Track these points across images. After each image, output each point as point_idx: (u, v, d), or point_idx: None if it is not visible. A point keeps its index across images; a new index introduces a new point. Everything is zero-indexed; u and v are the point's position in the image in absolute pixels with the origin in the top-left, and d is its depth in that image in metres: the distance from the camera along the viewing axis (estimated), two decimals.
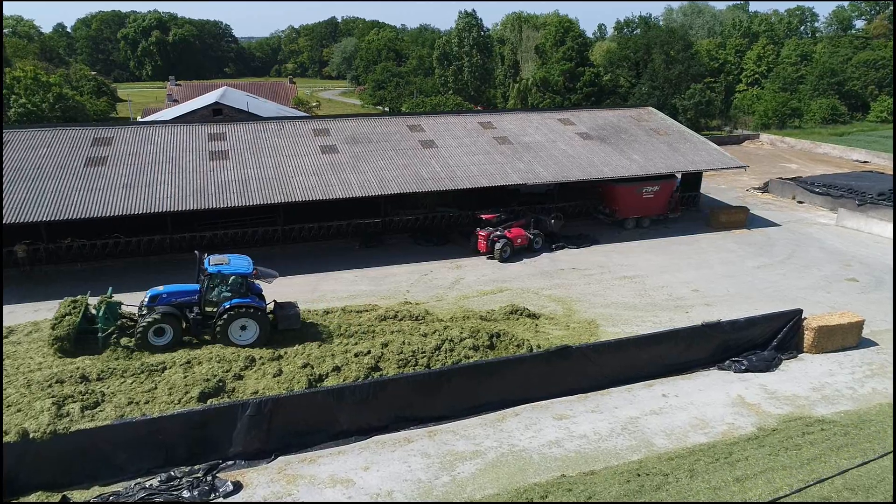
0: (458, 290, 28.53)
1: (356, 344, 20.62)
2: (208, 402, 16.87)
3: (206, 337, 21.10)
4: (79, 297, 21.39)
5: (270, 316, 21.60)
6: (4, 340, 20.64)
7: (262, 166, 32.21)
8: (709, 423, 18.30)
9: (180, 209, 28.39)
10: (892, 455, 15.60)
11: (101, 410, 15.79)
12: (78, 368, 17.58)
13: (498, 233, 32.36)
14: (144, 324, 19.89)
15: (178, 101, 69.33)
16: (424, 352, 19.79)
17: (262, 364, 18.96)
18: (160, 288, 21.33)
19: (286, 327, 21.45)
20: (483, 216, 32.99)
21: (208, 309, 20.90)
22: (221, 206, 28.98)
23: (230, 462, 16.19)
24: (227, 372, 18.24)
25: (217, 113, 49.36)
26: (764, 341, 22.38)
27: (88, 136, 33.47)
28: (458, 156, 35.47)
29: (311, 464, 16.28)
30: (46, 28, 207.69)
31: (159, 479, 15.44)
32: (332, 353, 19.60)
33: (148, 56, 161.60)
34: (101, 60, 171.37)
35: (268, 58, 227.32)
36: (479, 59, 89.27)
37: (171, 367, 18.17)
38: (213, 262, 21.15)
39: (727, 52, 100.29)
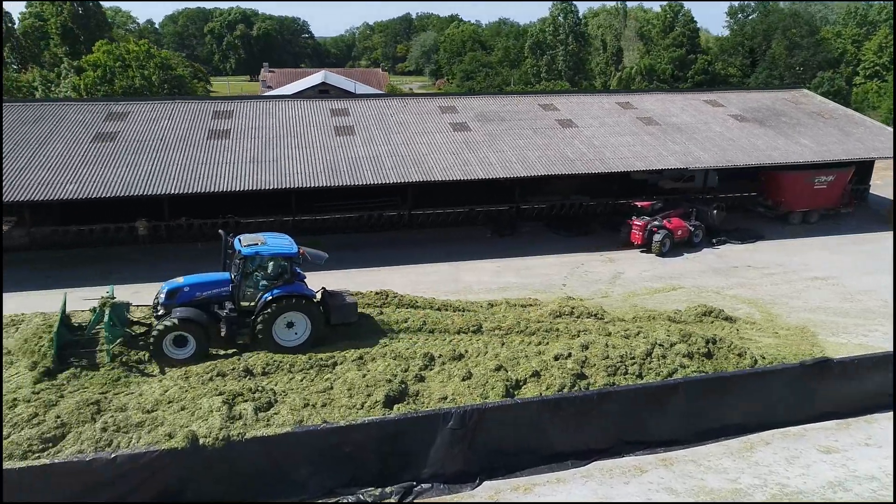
0: (621, 287, 24.71)
1: (546, 344, 17.17)
2: (394, 407, 13.74)
3: (239, 341, 16.37)
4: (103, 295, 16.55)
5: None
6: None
7: (393, 143, 29.29)
8: None
9: (312, 186, 25.72)
10: None
11: (275, 413, 12.89)
12: (239, 359, 14.83)
13: (656, 223, 28.30)
14: (158, 330, 15.20)
15: (271, 88, 68.26)
16: (634, 358, 16.11)
17: (444, 364, 15.74)
18: (179, 280, 16.49)
19: (340, 321, 17.05)
20: (638, 204, 29.01)
21: (244, 304, 16.38)
22: (355, 183, 26.16)
23: (426, 485, 13.03)
24: (405, 371, 15.12)
25: (324, 93, 47.20)
26: None
27: (208, 110, 31.46)
28: (603, 136, 31.59)
29: (527, 493, 12.91)
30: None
31: (346, 502, 12.41)
32: (525, 354, 16.18)
33: (232, 49, 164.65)
34: (187, 55, 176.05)
35: (342, 54, 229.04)
36: (574, 46, 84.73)
37: (342, 363, 15.18)
38: (246, 242, 16.48)
39: (844, 41, 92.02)
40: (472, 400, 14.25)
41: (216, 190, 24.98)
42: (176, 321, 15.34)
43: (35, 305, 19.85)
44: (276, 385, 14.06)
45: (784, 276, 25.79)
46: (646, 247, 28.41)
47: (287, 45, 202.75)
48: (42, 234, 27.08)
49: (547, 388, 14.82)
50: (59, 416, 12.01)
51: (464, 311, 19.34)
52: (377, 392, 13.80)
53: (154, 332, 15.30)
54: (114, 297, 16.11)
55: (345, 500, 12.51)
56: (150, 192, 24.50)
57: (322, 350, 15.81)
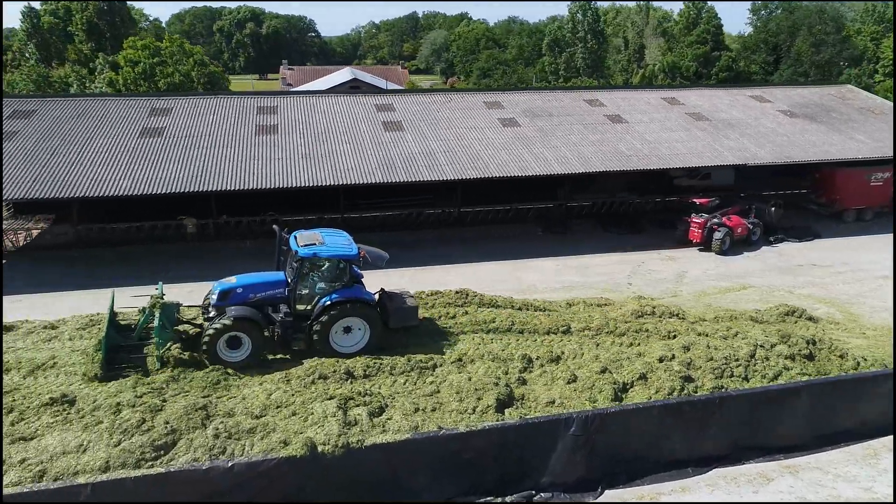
0: (689, 286, 24.03)
1: (638, 345, 16.50)
2: (505, 412, 13.06)
3: (295, 347, 15.07)
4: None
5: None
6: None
7: (444, 139, 28.62)
8: None
9: (369, 182, 25.04)
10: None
11: (388, 418, 12.20)
12: (337, 360, 14.14)
13: (716, 220, 27.62)
14: (212, 331, 14.12)
15: (292, 86, 67.61)
16: (738, 360, 15.41)
17: (542, 366, 15.06)
18: (231, 280, 15.32)
19: (400, 325, 15.85)
20: (696, 200, 28.33)
21: (299, 307, 15.21)
22: (411, 180, 25.50)
23: (546, 494, 12.36)
24: (506, 374, 14.44)
25: (355, 90, 46.52)
26: None
27: (252, 105, 30.77)
28: (655, 132, 30.91)
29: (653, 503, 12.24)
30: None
31: None
32: (626, 356, 15.49)
33: (242, 48, 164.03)
34: None
35: (348, 53, 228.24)
36: (594, 44, 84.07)
37: (441, 366, 14.50)
38: (303, 241, 15.22)
39: (864, 39, 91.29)
40: (580, 404, 13.59)
41: (270, 186, 24.30)
42: (231, 320, 14.23)
43: (80, 306, 19.08)
44: (380, 388, 13.38)
45: (853, 275, 25.10)
46: (704, 245, 27.73)
47: (294, 44, 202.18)
48: (89, 231, 26.42)
49: (656, 392, 14.12)
50: (167, 422, 11.34)
51: (546, 311, 18.67)
52: (487, 396, 13.11)
53: (209, 332, 14.14)
54: (163, 297, 14.97)
55: None
56: (201, 189, 23.82)
57: (419, 351, 15.09)
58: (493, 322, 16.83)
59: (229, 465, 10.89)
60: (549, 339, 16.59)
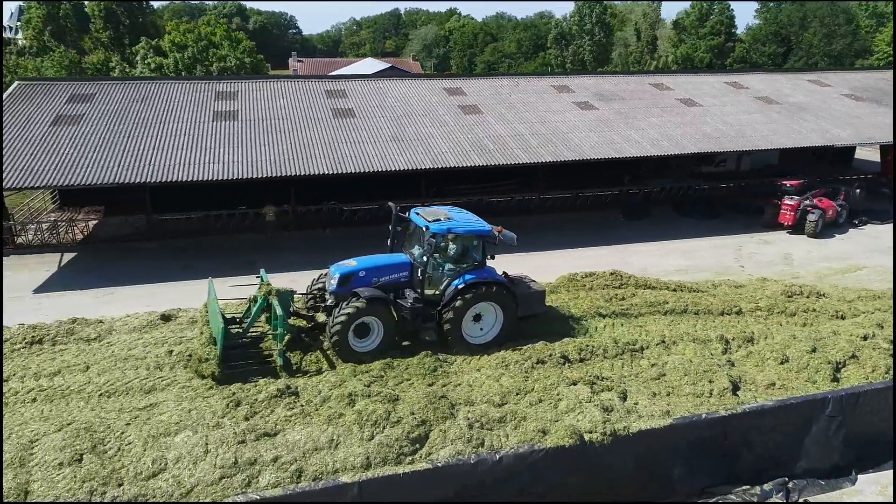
0: (802, 267, 23.44)
1: (811, 325, 15.76)
2: (737, 393, 12.14)
3: (426, 337, 13.47)
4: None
5: None
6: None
7: (528, 122, 27.62)
8: None
9: (468, 165, 23.88)
10: None
11: (635, 403, 11.17)
12: (547, 345, 13.05)
13: (808, 203, 27.13)
14: (343, 317, 12.41)
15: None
16: None
17: (740, 347, 14.19)
18: (351, 262, 13.68)
19: (527, 313, 14.38)
20: (785, 183, 27.78)
21: (428, 292, 13.58)
22: (508, 163, 24.41)
23: (799, 481, 11.48)
24: (711, 356, 13.51)
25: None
26: None
27: (320, 88, 29.35)
28: (733, 114, 30.35)
29: None
30: None
31: (728, 502, 10.79)
32: (821, 336, 14.68)
33: None
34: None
35: (329, 49, 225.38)
36: (601, 37, 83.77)
37: (647, 348, 13.51)
38: (428, 217, 13.59)
39: (863, 31, 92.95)
40: (802, 385, 12.73)
41: (358, 171, 22.95)
42: (364, 302, 12.61)
43: (183, 298, 17.58)
44: (600, 371, 12.34)
45: None
46: (794, 227, 27.21)
47: (276, 40, 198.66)
48: (162, 221, 24.78)
49: (872, 371, 13.35)
50: (413, 413, 10.14)
51: (697, 292, 17.81)
52: (718, 378, 12.19)
53: (339, 319, 12.42)
54: (269, 284, 13.24)
55: (725, 501, 10.89)
56: (287, 174, 22.32)
57: (627, 334, 14.08)
58: (667, 304, 15.92)
59: (497, 457, 9.76)
60: (726, 319, 15.77)
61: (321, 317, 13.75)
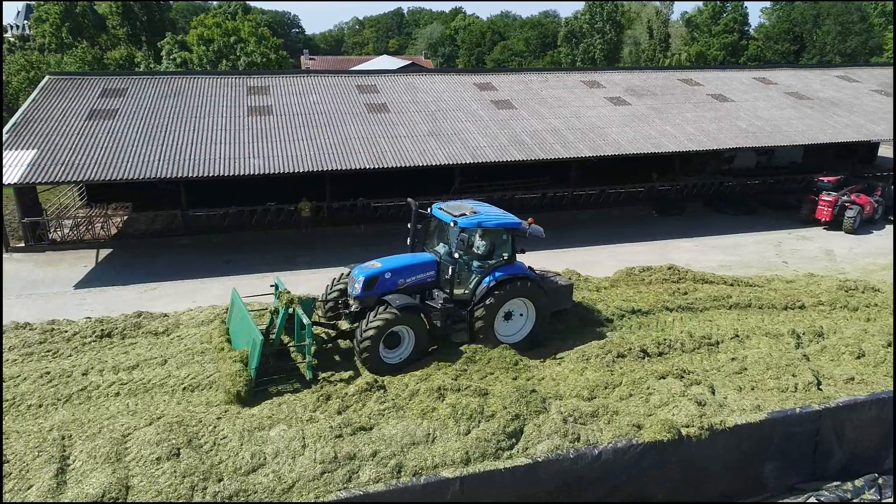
0: (848, 263, 23.20)
1: (875, 319, 15.52)
2: (821, 388, 11.90)
3: (456, 340, 12.62)
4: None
5: None
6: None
7: (562, 117, 27.38)
8: None
9: (506, 160, 23.64)
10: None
11: (724, 397, 10.93)
12: (622, 337, 12.81)
13: (846, 198, 26.89)
14: (373, 329, 11.38)
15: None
16: None
17: (811, 341, 13.95)
18: (375, 264, 12.60)
19: (555, 308, 13.67)
20: (822, 178, 27.53)
21: (457, 291, 12.68)
22: (548, 157, 24.18)
23: (888, 477, 11.23)
24: (786, 351, 13.28)
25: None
26: None
27: (352, 84, 29.10)
28: (766, 109, 30.12)
29: None
30: None
31: (821, 500, 10.54)
32: (888, 329, 14.43)
33: None
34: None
35: (332, 49, 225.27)
36: (613, 35, 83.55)
37: (722, 342, 13.26)
38: (453, 212, 12.72)
39: (876, 29, 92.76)
40: (882, 380, 12.47)
41: (399, 165, 22.70)
42: (396, 312, 11.53)
43: (205, 297, 17.35)
44: (683, 365, 12.09)
45: None
46: (831, 223, 26.98)
47: (283, 39, 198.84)
48: (196, 217, 24.53)
49: None
50: (506, 407, 9.90)
51: (754, 286, 17.58)
52: (801, 373, 11.95)
53: (370, 330, 11.35)
54: (289, 293, 11.90)
55: (819, 499, 10.63)
56: (328, 168, 22.07)
57: (699, 328, 13.83)
58: (730, 298, 15.70)
59: (596, 452, 9.52)
60: (791, 314, 15.54)
61: (344, 324, 12.72)
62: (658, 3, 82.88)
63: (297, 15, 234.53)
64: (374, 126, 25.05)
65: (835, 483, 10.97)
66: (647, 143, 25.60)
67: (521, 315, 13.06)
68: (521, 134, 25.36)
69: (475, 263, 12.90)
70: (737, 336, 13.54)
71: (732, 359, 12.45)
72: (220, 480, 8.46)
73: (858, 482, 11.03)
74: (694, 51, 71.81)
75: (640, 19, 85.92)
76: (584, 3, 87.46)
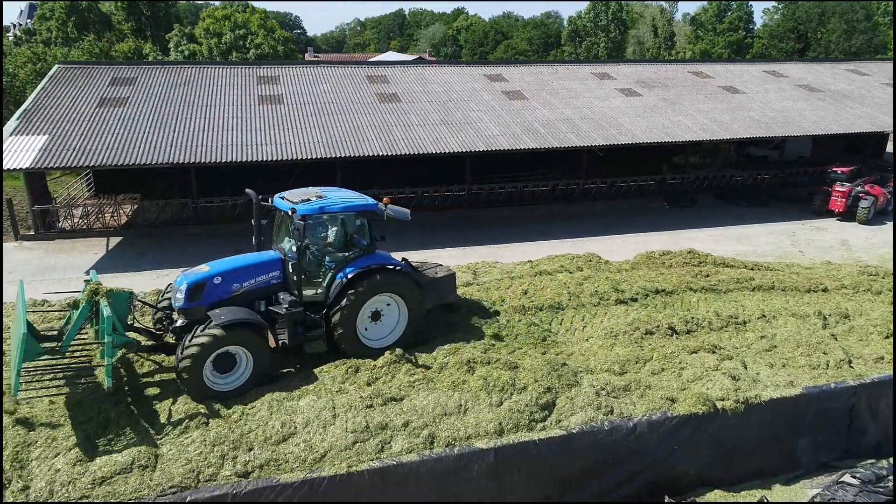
0: (864, 252, 23.01)
1: None
2: (852, 365, 11.71)
3: (310, 351, 10.54)
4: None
5: None
6: None
7: (574, 107, 27.22)
8: None
9: (520, 148, 23.46)
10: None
11: (757, 373, 10.75)
12: (650, 316, 12.60)
13: (860, 189, 26.71)
14: (194, 349, 9.25)
15: None
16: None
17: (838, 322, 13.75)
18: (203, 268, 10.56)
19: (435, 303, 12.14)
20: (836, 169, 27.36)
21: (308, 292, 10.70)
22: (562, 146, 23.99)
23: None
24: (813, 331, 13.09)
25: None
26: None
27: (361, 74, 28.97)
28: (778, 101, 29.96)
29: None
30: None
31: (845, 476, 10.33)
32: None
33: None
34: None
35: (333, 50, 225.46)
36: (617, 34, 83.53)
37: (749, 321, 13.07)
38: (296, 198, 10.70)
39: (882, 27, 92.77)
40: None
41: (412, 153, 22.49)
42: (222, 329, 9.42)
43: None
44: (713, 342, 11.90)
45: None
46: (845, 214, 26.79)
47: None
48: (208, 207, 24.35)
49: None
50: (537, 380, 9.72)
51: (775, 271, 17.41)
52: (832, 350, 11.77)
53: (190, 351, 9.24)
54: (99, 284, 9.94)
55: (854, 475, 10.42)
56: (341, 155, 21.88)
57: (725, 308, 13.64)
58: (753, 280, 15.50)
59: (631, 424, 9.34)
60: (815, 296, 15.33)
61: (171, 338, 10.54)
62: (663, 2, 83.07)
63: (299, 16, 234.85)
64: (386, 115, 24.89)
65: (870, 461, 10.77)
66: (662, 132, 25.44)
67: (394, 313, 11.16)
68: (534, 123, 25.19)
69: (327, 258, 10.97)
70: (763, 316, 13.35)
71: (762, 337, 12.27)
72: (250, 450, 8.28)
73: (885, 463, 10.82)
74: (699, 49, 71.75)
75: (644, 19, 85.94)
76: (585, 3, 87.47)
